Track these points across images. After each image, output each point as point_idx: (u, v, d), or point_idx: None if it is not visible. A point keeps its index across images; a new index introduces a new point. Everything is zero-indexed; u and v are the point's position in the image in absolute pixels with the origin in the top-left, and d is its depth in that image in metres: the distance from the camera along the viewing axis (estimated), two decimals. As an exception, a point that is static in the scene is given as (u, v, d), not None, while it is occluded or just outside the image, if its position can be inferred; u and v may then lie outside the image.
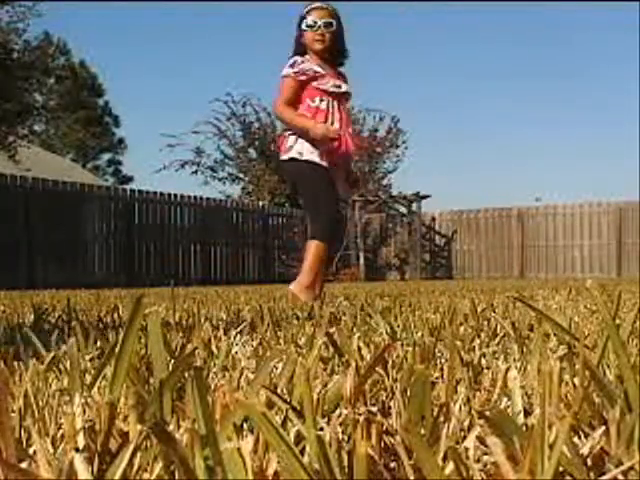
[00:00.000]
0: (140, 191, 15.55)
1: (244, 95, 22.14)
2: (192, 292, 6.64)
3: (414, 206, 19.68)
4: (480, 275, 19.40)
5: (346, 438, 0.73)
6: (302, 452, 0.61)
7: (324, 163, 4.60)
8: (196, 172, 22.21)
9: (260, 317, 2.06)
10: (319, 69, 4.60)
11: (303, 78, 4.56)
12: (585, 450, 0.63)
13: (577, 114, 69.70)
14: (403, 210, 20.26)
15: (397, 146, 22.83)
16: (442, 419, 0.75)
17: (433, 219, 20.21)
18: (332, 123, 4.60)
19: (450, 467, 0.58)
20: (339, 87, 4.67)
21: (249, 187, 22.59)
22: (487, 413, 0.67)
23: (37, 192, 13.24)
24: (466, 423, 0.78)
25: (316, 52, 4.61)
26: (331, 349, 1.29)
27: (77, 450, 0.63)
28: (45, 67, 22.33)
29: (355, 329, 1.83)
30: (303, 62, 4.59)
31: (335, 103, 4.65)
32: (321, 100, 4.61)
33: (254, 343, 1.60)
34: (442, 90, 68.03)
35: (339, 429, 0.74)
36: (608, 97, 70.71)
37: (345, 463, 0.61)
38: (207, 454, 0.55)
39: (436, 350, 1.34)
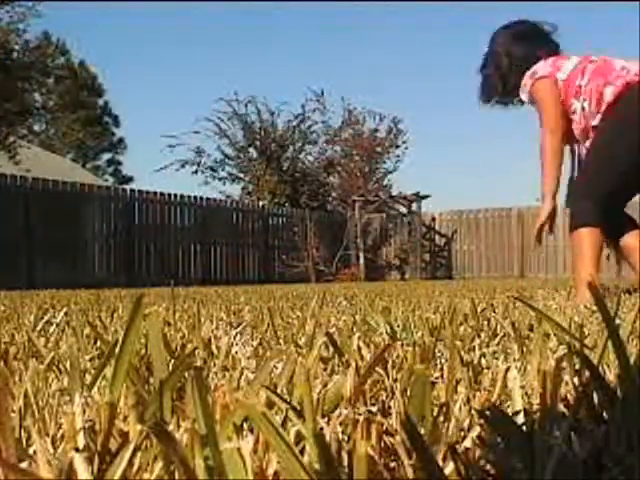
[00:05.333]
0: (140, 191, 15.55)
1: (249, 95, 22.22)
2: (192, 292, 6.64)
3: (414, 206, 19.67)
4: (480, 275, 19.39)
5: (346, 438, 0.73)
6: (302, 452, 0.61)
7: None
8: (196, 172, 22.23)
9: (260, 317, 2.06)
10: None
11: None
12: (585, 450, 0.63)
13: (577, 114, 69.62)
14: (403, 210, 20.25)
15: (397, 146, 22.84)
16: (442, 419, 0.75)
17: (433, 219, 20.20)
18: None
19: (450, 467, 0.58)
20: None
21: (249, 187, 22.59)
22: (487, 413, 0.67)
23: (37, 192, 13.23)
24: (466, 423, 0.78)
25: None
26: (331, 349, 1.29)
27: (77, 450, 0.63)
28: (45, 67, 22.34)
29: (355, 329, 1.83)
30: None
31: None
32: None
33: (254, 343, 1.60)
34: (442, 90, 68.05)
35: (339, 429, 0.74)
36: (608, 97, 70.59)
37: (345, 463, 0.61)
38: (207, 454, 0.55)
39: (436, 350, 1.34)
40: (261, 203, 20.11)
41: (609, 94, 3.73)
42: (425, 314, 2.30)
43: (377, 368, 1.01)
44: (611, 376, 0.96)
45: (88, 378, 1.01)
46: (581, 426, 0.71)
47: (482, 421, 0.69)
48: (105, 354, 0.94)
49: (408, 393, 0.82)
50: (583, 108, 3.84)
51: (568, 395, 0.85)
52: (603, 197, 3.78)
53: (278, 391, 0.86)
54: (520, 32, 4.21)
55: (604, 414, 0.73)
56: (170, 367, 0.86)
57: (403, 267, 20.07)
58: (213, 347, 1.47)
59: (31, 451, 0.68)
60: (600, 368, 0.97)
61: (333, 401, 0.87)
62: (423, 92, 70.67)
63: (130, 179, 47.44)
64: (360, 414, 0.83)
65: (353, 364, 0.93)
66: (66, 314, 2.62)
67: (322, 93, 22.60)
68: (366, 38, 68.85)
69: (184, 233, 16.11)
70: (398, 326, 1.82)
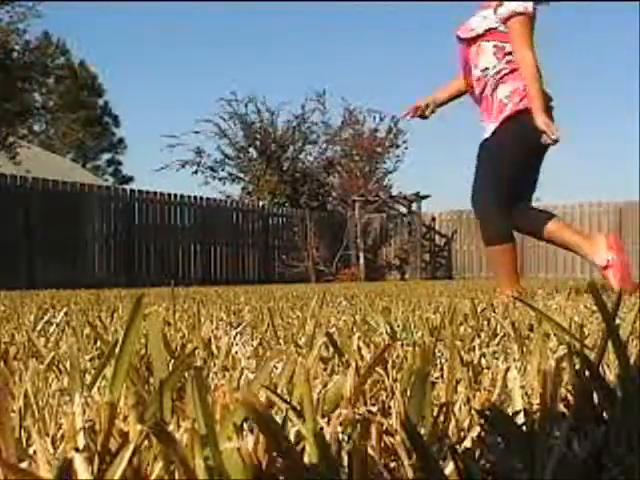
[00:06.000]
0: (140, 191, 15.55)
1: (248, 95, 22.24)
2: (192, 292, 6.64)
3: (414, 206, 19.67)
4: (480, 275, 19.38)
5: (346, 438, 0.73)
6: (302, 452, 0.61)
7: None
8: (196, 172, 22.23)
9: (260, 317, 2.06)
10: None
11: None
12: (585, 450, 0.63)
13: (577, 113, 69.74)
14: (403, 210, 20.25)
15: (397, 146, 22.84)
16: (442, 419, 0.75)
17: (433, 219, 20.19)
18: None
19: (450, 467, 0.58)
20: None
21: (249, 187, 22.60)
22: (487, 413, 0.67)
23: (37, 192, 13.23)
24: (466, 423, 0.78)
25: None
26: (331, 349, 1.29)
27: (77, 450, 0.63)
28: (45, 67, 22.34)
29: (355, 329, 1.83)
30: None
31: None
32: None
33: (254, 343, 1.60)
34: (442, 90, 67.91)
35: (339, 429, 0.74)
36: (608, 97, 70.73)
37: (345, 463, 0.61)
38: (207, 454, 0.55)
39: (436, 350, 1.34)
40: (261, 203, 20.11)
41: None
42: (425, 314, 2.30)
43: (377, 368, 1.02)
44: (611, 376, 0.96)
45: (88, 378, 1.01)
46: (581, 426, 0.71)
47: (482, 421, 0.69)
48: (105, 354, 0.94)
49: (408, 393, 0.82)
50: None
51: (568, 395, 0.85)
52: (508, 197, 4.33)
53: (278, 391, 0.86)
54: None
55: (604, 414, 0.73)
56: (170, 367, 0.86)
57: (403, 267, 20.07)
58: (213, 347, 1.47)
59: (31, 451, 0.68)
60: (600, 368, 0.97)
61: (333, 401, 0.87)
62: (423, 92, 70.59)
63: (130, 179, 47.49)
64: (360, 414, 0.83)
65: (353, 364, 0.93)
66: (66, 314, 2.62)
67: (323, 93, 22.62)
68: (366, 38, 68.87)
69: (184, 233, 16.11)
70: (398, 326, 1.82)
